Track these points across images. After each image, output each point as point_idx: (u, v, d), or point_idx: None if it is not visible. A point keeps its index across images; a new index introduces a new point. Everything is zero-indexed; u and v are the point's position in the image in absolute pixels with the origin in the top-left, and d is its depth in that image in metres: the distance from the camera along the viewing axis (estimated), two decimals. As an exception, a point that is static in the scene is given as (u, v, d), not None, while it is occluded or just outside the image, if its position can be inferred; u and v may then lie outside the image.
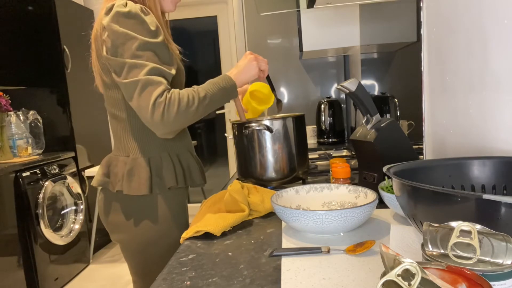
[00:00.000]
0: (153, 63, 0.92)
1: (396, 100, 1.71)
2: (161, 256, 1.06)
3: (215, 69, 3.92)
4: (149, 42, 0.93)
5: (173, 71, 0.97)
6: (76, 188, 2.83)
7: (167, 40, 1.03)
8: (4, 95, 2.56)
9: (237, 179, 1.23)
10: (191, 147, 1.18)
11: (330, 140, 2.23)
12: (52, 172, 2.63)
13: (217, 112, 3.93)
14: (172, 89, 0.93)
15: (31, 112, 2.81)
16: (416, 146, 1.06)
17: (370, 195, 0.82)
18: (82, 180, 3.01)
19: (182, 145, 1.13)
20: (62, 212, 2.75)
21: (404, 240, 0.67)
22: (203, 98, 0.95)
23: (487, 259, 0.39)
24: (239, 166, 1.23)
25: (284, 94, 2.48)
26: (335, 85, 2.45)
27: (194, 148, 1.21)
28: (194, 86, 0.99)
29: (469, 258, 0.40)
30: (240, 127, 1.17)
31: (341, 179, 1.01)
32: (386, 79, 1.77)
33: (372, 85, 1.83)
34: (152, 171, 1.04)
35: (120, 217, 1.06)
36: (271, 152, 1.15)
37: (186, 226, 1.13)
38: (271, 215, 0.92)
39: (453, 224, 0.43)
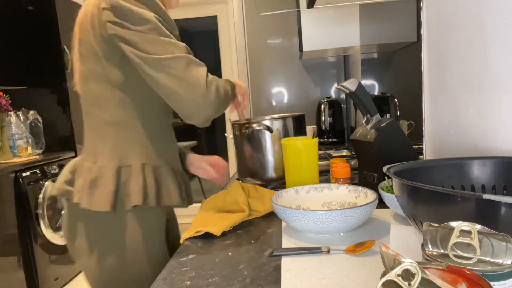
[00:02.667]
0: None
1: (396, 100, 1.71)
2: None
3: (215, 69, 3.92)
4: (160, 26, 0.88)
5: None
6: (76, 188, 2.83)
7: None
8: (4, 95, 2.55)
9: (237, 179, 1.23)
10: (175, 161, 1.04)
11: (330, 140, 2.23)
12: (52, 172, 2.63)
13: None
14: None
15: (31, 112, 2.80)
16: (416, 146, 1.06)
17: (370, 195, 0.82)
18: (82, 180, 3.00)
19: (164, 156, 0.98)
20: (62, 212, 2.75)
21: (404, 240, 0.67)
22: (224, 91, 0.95)
23: (487, 259, 0.39)
24: (239, 166, 1.23)
25: (284, 94, 2.48)
26: (335, 85, 2.45)
27: (180, 163, 1.07)
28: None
29: (469, 258, 0.40)
30: (240, 127, 1.17)
31: (341, 179, 1.01)
32: (386, 79, 1.77)
33: (372, 85, 1.83)
34: (119, 183, 0.89)
35: (84, 242, 0.92)
36: (271, 152, 1.15)
37: (158, 256, 0.96)
38: (271, 215, 0.92)
39: (453, 224, 0.43)
